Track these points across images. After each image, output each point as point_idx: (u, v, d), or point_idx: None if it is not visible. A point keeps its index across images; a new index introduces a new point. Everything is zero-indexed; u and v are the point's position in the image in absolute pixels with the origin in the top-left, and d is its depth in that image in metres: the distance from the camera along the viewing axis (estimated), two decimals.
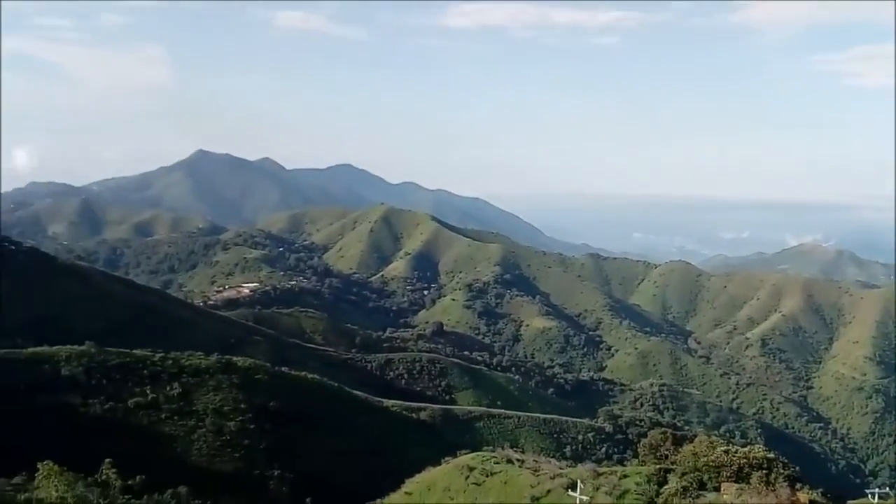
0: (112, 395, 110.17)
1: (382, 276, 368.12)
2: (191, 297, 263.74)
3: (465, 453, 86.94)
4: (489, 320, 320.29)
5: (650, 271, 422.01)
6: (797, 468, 57.47)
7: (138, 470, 79.43)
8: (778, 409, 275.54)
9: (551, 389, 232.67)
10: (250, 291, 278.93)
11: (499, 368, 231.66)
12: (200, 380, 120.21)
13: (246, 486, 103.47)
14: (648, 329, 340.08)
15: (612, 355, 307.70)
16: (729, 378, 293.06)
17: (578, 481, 56.79)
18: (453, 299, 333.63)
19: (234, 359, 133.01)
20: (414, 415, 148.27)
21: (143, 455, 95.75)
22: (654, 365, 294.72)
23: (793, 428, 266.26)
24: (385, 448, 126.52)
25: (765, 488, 50.14)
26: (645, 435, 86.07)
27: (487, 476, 69.21)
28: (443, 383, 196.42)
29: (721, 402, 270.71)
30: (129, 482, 74.64)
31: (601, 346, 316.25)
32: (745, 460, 53.40)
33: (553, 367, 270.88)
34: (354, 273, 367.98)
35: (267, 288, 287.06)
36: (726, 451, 55.01)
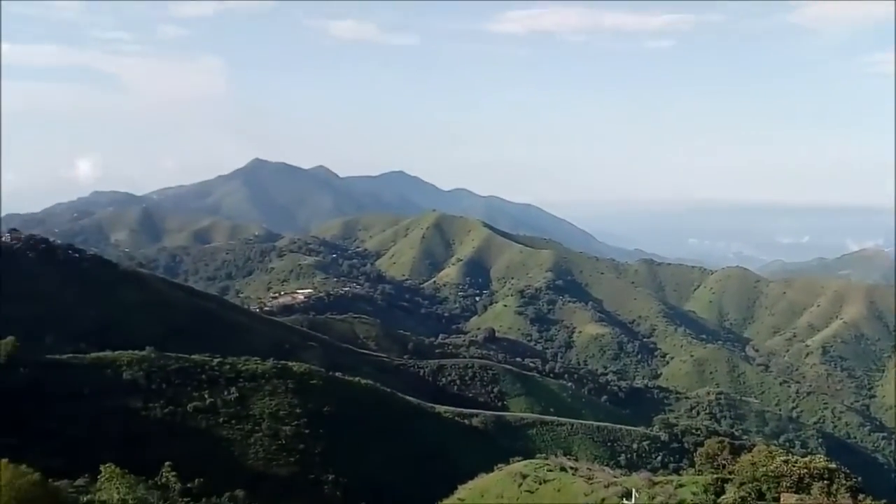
0: (171, 399, 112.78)
1: (434, 282, 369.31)
2: (247, 303, 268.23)
3: (518, 460, 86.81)
4: (541, 326, 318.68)
5: (706, 277, 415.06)
6: (859, 479, 55.90)
7: (197, 473, 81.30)
8: (839, 419, 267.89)
9: (605, 397, 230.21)
10: (305, 297, 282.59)
11: (551, 375, 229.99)
12: (257, 384, 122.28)
13: (301, 490, 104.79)
14: (704, 336, 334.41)
15: (668, 363, 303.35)
16: (788, 386, 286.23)
17: (633, 490, 56.26)
18: (505, 305, 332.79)
19: (290, 364, 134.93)
20: (466, 421, 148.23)
21: (202, 458, 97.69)
22: (711, 373, 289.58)
23: (855, 438, 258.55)
24: (438, 454, 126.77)
25: (826, 499, 48.95)
26: (701, 444, 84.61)
27: (541, 483, 69.02)
28: (495, 389, 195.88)
29: (780, 410, 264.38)
30: (188, 485, 76.49)
31: (656, 353, 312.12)
32: (805, 471, 52.18)
33: (606, 374, 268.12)
34: (406, 279, 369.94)
35: (321, 294, 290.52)
36: (786, 461, 53.81)
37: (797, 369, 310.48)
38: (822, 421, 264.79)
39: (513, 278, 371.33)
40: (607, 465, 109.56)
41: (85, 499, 53.70)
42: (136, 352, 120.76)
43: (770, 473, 53.08)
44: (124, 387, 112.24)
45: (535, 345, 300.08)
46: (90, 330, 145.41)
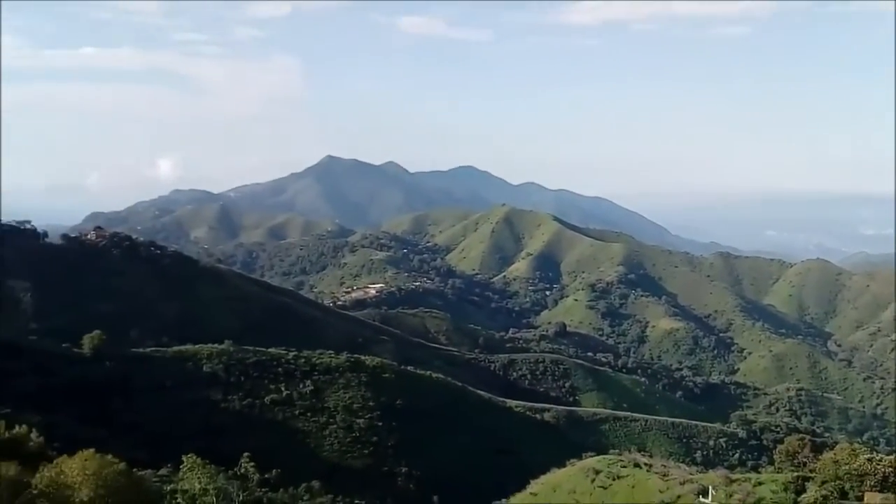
0: (250, 391, 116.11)
1: (504, 276, 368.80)
2: (321, 297, 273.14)
3: (591, 456, 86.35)
4: (613, 321, 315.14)
5: (785, 270, 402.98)
6: None
7: (274, 464, 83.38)
8: None
9: (679, 392, 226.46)
10: (377, 292, 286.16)
11: (624, 370, 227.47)
12: (331, 378, 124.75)
13: (375, 482, 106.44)
14: (784, 331, 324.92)
15: (745, 358, 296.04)
16: (872, 382, 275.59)
17: (710, 487, 55.38)
18: (576, 300, 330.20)
19: (363, 358, 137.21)
20: (538, 415, 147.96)
21: (278, 450, 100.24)
22: (791, 368, 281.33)
23: None
24: (509, 448, 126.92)
25: None
26: (781, 441, 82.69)
27: (614, 479, 68.49)
28: (566, 384, 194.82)
29: (864, 407, 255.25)
30: (266, 476, 78.43)
31: (732, 348, 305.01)
32: (890, 469, 50.40)
33: (681, 369, 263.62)
34: (477, 274, 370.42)
35: (392, 289, 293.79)
36: (870, 460, 52.04)
37: (881, 364, 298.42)
38: None
39: (583, 272, 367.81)
40: (683, 462, 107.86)
41: (168, 488, 55.35)
42: (216, 345, 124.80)
43: (853, 472, 51.45)
44: (205, 379, 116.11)
45: (607, 339, 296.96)
46: (171, 324, 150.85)
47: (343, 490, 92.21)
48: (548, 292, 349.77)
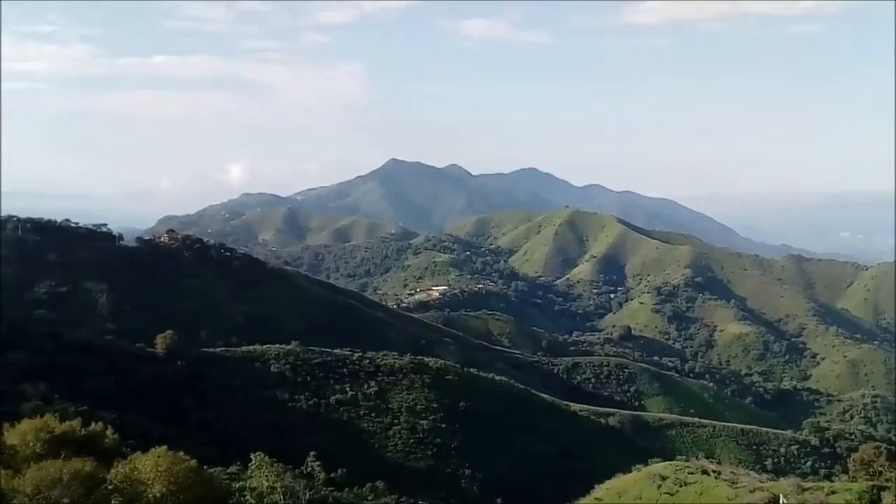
0: (315, 391, 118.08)
1: (567, 279, 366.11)
2: (384, 299, 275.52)
3: (657, 461, 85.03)
4: (679, 325, 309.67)
5: (860, 273, 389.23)
6: None
7: (339, 463, 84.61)
8: None
9: (749, 398, 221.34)
10: (440, 294, 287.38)
11: (691, 375, 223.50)
12: (395, 379, 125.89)
13: (438, 483, 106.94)
14: (859, 336, 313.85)
15: (818, 363, 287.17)
16: None
17: (781, 496, 54.02)
18: (641, 303, 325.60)
19: (426, 359, 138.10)
20: (602, 420, 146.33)
21: (343, 449, 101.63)
22: (866, 374, 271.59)
23: None
24: (573, 451, 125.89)
25: None
26: (856, 449, 79.89)
27: (681, 486, 67.27)
28: (631, 388, 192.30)
29: None
30: (332, 475, 79.61)
31: (805, 353, 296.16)
32: None
33: (751, 374, 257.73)
34: (539, 276, 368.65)
35: (455, 291, 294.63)
36: None
37: None
38: None
39: (649, 275, 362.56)
40: (753, 470, 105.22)
41: (236, 486, 56.62)
42: (283, 346, 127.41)
43: None
44: (272, 379, 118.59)
45: (674, 343, 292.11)
46: (240, 324, 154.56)
47: (407, 491, 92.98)
48: (612, 295, 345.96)
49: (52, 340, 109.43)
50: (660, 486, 69.16)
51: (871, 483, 55.70)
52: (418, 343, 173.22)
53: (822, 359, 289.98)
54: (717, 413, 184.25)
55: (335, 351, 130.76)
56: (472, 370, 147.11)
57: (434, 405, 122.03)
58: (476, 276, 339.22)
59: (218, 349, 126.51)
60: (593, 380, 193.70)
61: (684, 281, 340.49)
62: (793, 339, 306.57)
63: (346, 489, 77.78)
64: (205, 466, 51.12)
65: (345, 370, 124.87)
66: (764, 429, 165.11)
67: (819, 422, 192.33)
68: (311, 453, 79.02)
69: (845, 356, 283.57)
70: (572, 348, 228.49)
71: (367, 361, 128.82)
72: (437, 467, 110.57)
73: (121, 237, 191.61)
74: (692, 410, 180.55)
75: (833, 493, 54.11)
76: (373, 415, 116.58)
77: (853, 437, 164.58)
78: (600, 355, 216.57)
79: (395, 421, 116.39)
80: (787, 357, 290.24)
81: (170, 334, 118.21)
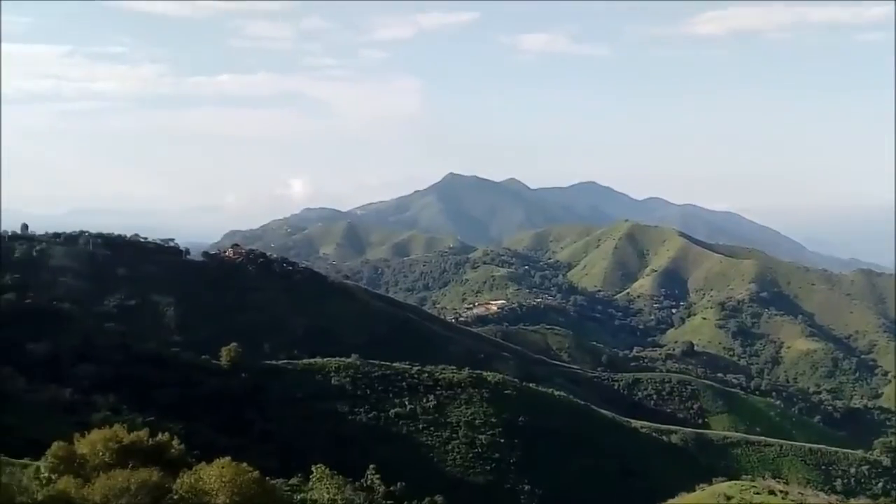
0: (375, 404, 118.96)
1: (628, 293, 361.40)
2: (443, 313, 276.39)
3: (722, 481, 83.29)
4: (744, 341, 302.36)
5: None
6: None
7: (398, 477, 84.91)
8: None
9: (818, 417, 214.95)
10: (498, 308, 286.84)
11: (757, 392, 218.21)
12: (453, 393, 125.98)
13: (497, 499, 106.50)
14: None
15: (889, 381, 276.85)
16: None
17: None
18: (704, 318, 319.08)
19: (485, 374, 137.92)
20: (664, 437, 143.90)
21: (403, 463, 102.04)
22: None
23: None
24: (635, 469, 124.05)
25: None
26: None
27: None
28: (695, 406, 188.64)
29: None
30: (391, 488, 79.97)
31: (876, 371, 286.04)
32: None
33: (819, 392, 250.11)
34: (599, 291, 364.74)
35: (514, 305, 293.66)
36: None
37: None
38: None
39: (712, 290, 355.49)
40: (822, 491, 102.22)
41: (297, 497, 57.22)
42: (343, 359, 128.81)
43: None
44: (333, 392, 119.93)
45: (738, 360, 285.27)
46: (302, 337, 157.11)
47: None
48: (674, 310, 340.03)
49: (121, 352, 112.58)
50: None
51: None
52: (477, 357, 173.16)
53: (895, 377, 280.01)
54: (783, 431, 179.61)
55: (394, 364, 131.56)
56: (530, 385, 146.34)
57: (493, 420, 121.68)
58: (534, 290, 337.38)
59: (280, 362, 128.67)
60: (655, 396, 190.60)
61: (749, 296, 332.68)
62: (863, 356, 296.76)
63: (406, 503, 78.04)
64: (267, 477, 51.92)
65: (404, 384, 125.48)
66: (833, 448, 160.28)
67: (891, 441, 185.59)
68: (371, 466, 79.49)
69: None
70: (633, 364, 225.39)
71: (426, 375, 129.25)
72: (497, 483, 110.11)
73: (188, 252, 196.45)
74: (758, 429, 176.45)
75: None
76: (431, 429, 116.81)
77: None
78: (662, 371, 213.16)
79: (454, 435, 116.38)
80: (857, 374, 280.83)
81: (234, 347, 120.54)
